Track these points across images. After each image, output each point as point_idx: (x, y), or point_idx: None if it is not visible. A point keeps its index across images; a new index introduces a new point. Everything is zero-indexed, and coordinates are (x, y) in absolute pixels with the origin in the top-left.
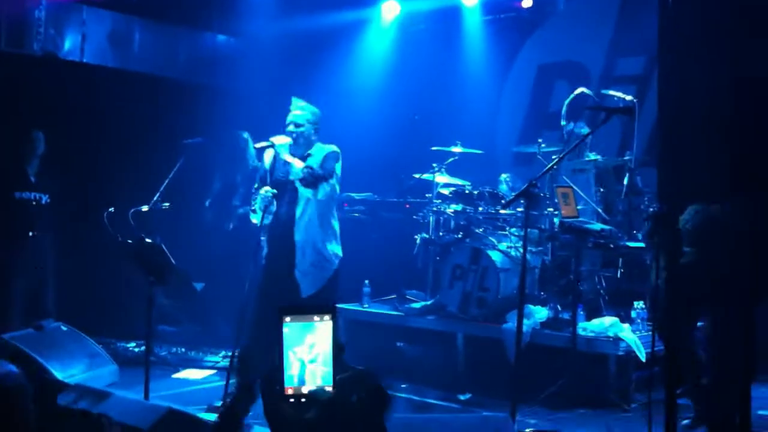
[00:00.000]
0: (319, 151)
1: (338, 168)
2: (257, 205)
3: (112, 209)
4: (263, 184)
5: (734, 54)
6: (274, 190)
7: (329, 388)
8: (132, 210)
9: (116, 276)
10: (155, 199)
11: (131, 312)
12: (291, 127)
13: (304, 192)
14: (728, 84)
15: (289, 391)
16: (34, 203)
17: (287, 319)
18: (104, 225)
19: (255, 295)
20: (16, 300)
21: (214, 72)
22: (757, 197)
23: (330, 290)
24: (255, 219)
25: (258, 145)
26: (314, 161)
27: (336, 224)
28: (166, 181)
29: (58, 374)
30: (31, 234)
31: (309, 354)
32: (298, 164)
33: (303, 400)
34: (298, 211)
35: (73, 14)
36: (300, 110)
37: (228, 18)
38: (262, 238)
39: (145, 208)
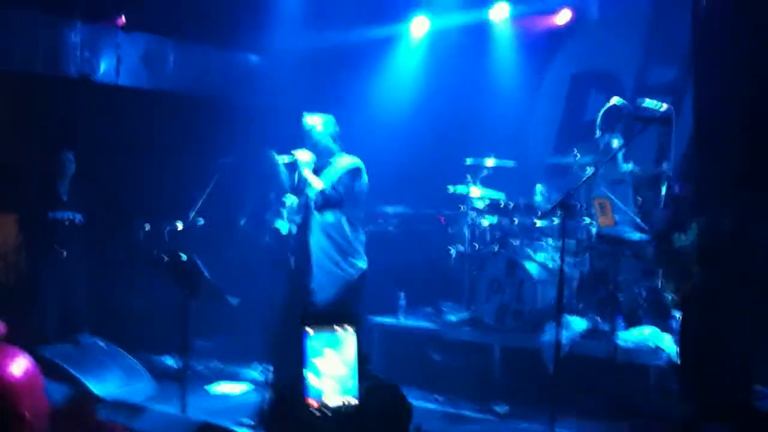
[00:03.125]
0: (342, 163)
1: (356, 186)
2: (284, 214)
3: (148, 226)
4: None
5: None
6: (297, 200)
7: (353, 400)
8: (167, 227)
9: (152, 291)
10: (190, 216)
11: (167, 326)
12: (309, 146)
13: (312, 212)
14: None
15: (313, 403)
16: (67, 222)
17: (310, 330)
18: (139, 242)
19: (279, 306)
20: (50, 317)
21: (246, 90)
22: None
23: (347, 302)
24: (282, 228)
25: (281, 160)
26: (333, 175)
27: (356, 236)
28: (201, 199)
29: (95, 389)
30: (64, 253)
31: (333, 365)
32: (316, 184)
33: (327, 411)
34: (313, 223)
35: (108, 37)
36: (311, 125)
37: (258, 37)
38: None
39: (180, 226)
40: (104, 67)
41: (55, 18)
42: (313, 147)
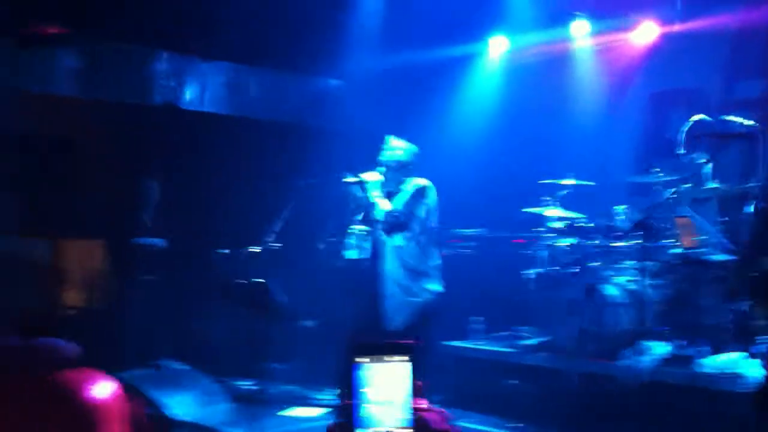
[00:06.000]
0: (410, 186)
1: (423, 208)
2: (352, 240)
3: (226, 251)
4: (363, 220)
5: None
6: (368, 228)
7: (406, 429)
8: (244, 252)
9: (232, 315)
10: (267, 239)
11: (245, 350)
12: (380, 168)
13: (380, 235)
14: None
15: None
16: (150, 248)
17: (361, 359)
18: (218, 266)
19: (348, 329)
20: (133, 342)
21: (325, 115)
22: None
23: (420, 326)
24: (351, 255)
25: (348, 180)
26: (402, 198)
27: (427, 259)
28: (278, 223)
29: (174, 411)
30: (147, 277)
31: (383, 395)
32: (383, 205)
33: None
34: (386, 250)
35: (193, 66)
36: (391, 150)
37: (336, 61)
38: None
39: (256, 249)
40: (189, 95)
41: (142, 48)
42: (387, 171)
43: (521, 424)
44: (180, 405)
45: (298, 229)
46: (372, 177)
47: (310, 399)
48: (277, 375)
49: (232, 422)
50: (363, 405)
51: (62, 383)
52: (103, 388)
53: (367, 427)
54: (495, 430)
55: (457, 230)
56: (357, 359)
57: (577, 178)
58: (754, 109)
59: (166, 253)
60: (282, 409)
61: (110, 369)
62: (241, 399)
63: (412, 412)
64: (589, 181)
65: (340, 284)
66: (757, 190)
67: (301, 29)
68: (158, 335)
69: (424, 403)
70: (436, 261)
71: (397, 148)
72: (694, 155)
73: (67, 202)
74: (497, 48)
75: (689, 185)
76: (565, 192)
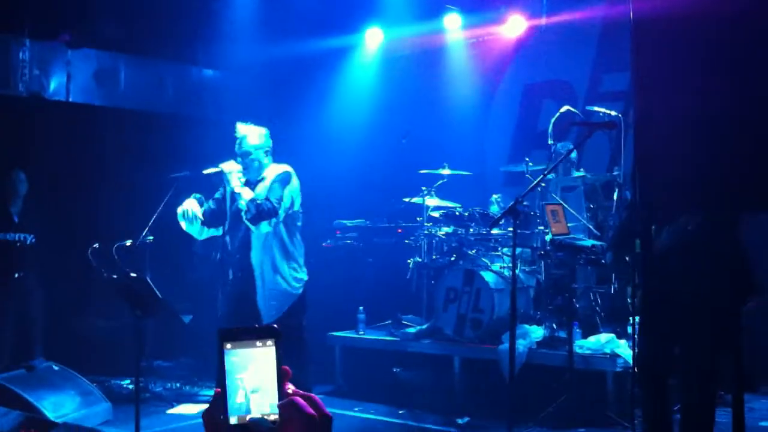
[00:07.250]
0: (271, 173)
1: (288, 193)
2: (186, 215)
3: (96, 245)
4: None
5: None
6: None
7: (274, 417)
8: (116, 245)
9: (109, 312)
10: (143, 233)
11: (124, 348)
12: (239, 159)
13: (248, 225)
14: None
15: (233, 421)
16: (18, 244)
17: (228, 345)
18: (89, 262)
19: (221, 322)
20: (4, 341)
21: (201, 105)
22: (723, 215)
23: (295, 315)
24: (189, 230)
25: (206, 171)
26: (265, 186)
27: (296, 246)
28: (155, 216)
29: (50, 414)
30: (17, 275)
31: (253, 381)
32: (245, 195)
33: (246, 427)
34: (253, 238)
35: (58, 54)
36: (246, 137)
37: (213, 51)
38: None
39: (128, 243)
40: (54, 84)
41: (3, 36)
42: (243, 158)
43: (402, 411)
44: (56, 406)
45: (174, 222)
46: (231, 167)
47: (195, 395)
48: (163, 372)
49: (115, 422)
50: (231, 391)
51: None
52: None
53: (236, 413)
54: (384, 418)
55: (340, 221)
56: (222, 345)
57: (453, 167)
58: (619, 100)
59: (36, 249)
60: (168, 406)
61: None
62: (123, 398)
63: (280, 396)
64: (464, 170)
65: (217, 277)
66: (620, 178)
67: (177, 17)
68: (31, 334)
69: (290, 388)
70: (301, 247)
71: (248, 134)
72: (562, 145)
73: None
74: (373, 40)
75: (557, 174)
76: (440, 182)
